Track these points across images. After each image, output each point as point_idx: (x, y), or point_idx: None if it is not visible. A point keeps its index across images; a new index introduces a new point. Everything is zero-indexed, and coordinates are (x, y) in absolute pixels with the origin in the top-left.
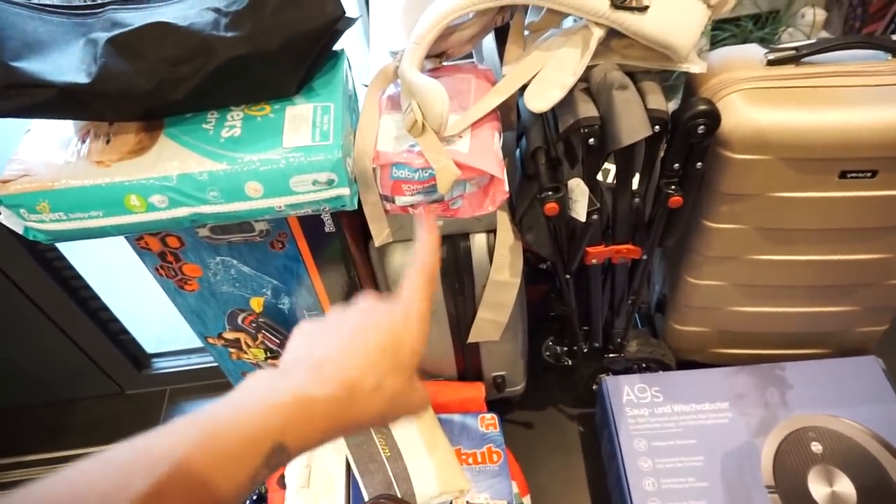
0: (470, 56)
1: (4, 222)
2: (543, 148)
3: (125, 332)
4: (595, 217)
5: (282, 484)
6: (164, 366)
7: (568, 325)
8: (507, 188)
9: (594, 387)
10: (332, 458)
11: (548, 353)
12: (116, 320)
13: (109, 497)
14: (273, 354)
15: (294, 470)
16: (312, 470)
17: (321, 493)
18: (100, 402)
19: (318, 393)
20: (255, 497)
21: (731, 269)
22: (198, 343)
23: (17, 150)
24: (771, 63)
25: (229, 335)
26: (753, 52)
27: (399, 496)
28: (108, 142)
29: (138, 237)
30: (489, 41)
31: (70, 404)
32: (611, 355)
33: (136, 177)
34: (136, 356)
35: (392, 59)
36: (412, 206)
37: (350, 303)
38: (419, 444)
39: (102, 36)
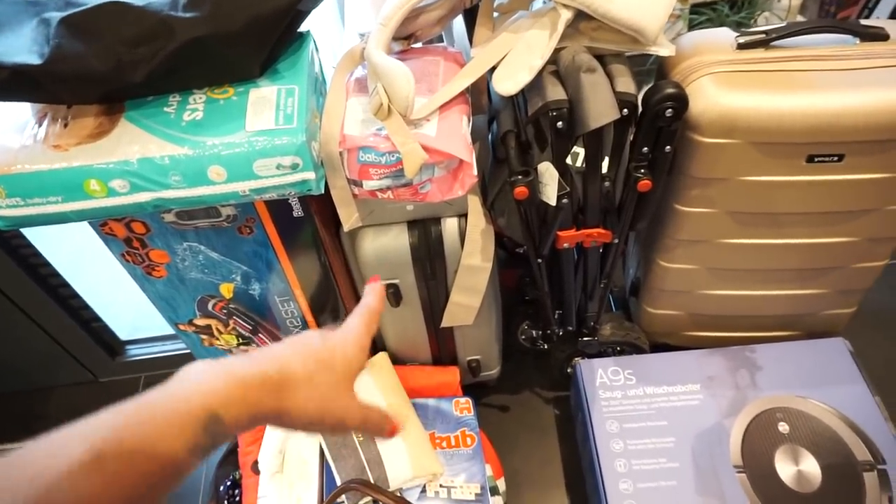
0: (440, 38)
1: None
2: (513, 131)
3: (97, 319)
4: (565, 201)
5: (255, 469)
6: (138, 353)
7: (542, 309)
8: (475, 172)
9: (569, 370)
10: (305, 444)
11: (523, 337)
12: (88, 307)
13: (48, 467)
14: (245, 340)
15: (268, 456)
16: (286, 455)
17: (295, 478)
18: (74, 390)
19: (250, 370)
20: (228, 483)
21: (702, 252)
22: (172, 329)
23: None
24: (741, 47)
25: (200, 322)
26: (724, 35)
27: (372, 481)
28: (66, 125)
29: (102, 223)
30: (460, 23)
31: (43, 392)
32: (585, 339)
33: (95, 161)
34: (110, 343)
35: (360, 41)
36: (381, 189)
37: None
38: None
39: (56, 15)
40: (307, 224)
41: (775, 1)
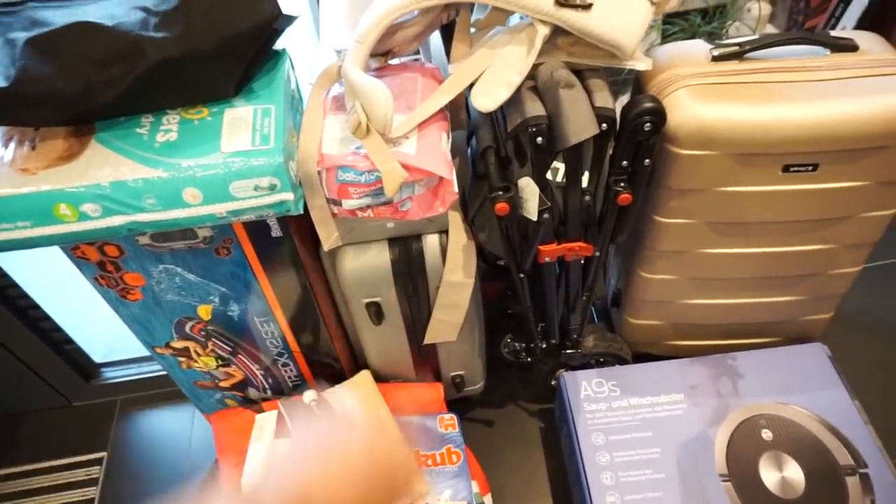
0: (417, 54)
1: None
2: (493, 147)
3: (70, 341)
4: (546, 216)
5: None
6: (114, 375)
7: (525, 323)
8: (456, 189)
9: (553, 382)
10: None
11: (506, 350)
12: (59, 329)
13: None
14: (224, 362)
15: (250, 480)
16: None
17: None
18: (46, 414)
19: None
20: None
21: (682, 262)
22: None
23: None
24: (716, 59)
25: (177, 344)
26: (699, 47)
27: None
28: (33, 148)
29: (74, 246)
30: (437, 38)
31: (13, 417)
32: (568, 351)
33: (65, 185)
34: (84, 366)
35: (337, 58)
36: (361, 208)
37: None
38: None
39: (21, 36)
40: (286, 244)
41: (745, 11)
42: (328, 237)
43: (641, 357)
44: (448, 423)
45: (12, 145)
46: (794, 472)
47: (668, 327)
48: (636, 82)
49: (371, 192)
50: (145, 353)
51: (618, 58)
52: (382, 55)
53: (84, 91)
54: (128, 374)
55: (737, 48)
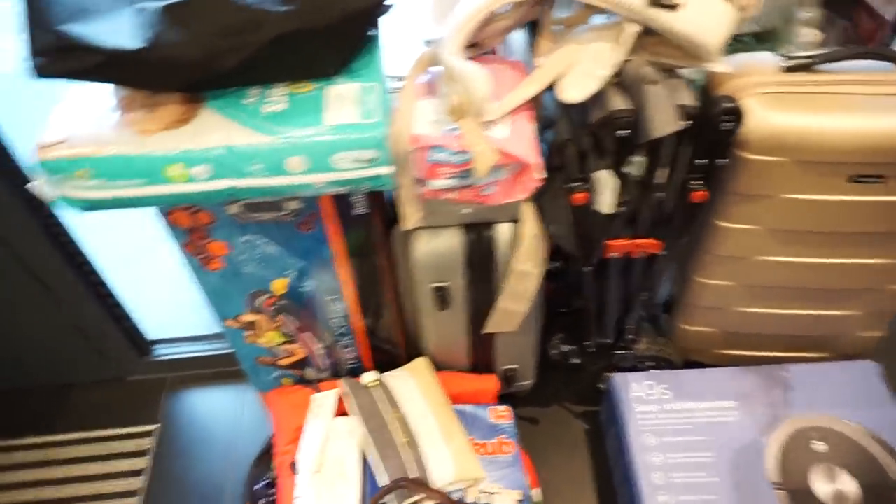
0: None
1: (38, 191)
2: (572, 140)
3: (129, 317)
4: (620, 209)
5: (293, 469)
6: (165, 352)
7: (581, 321)
8: (540, 176)
9: (601, 385)
10: (345, 445)
11: (555, 352)
12: (120, 305)
13: None
14: (289, 339)
15: (306, 455)
16: (326, 456)
17: (334, 478)
18: (97, 387)
19: None
20: (266, 481)
21: (740, 269)
22: (201, 331)
23: (52, 117)
24: (787, 70)
25: (247, 317)
26: (768, 59)
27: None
28: (150, 112)
29: (169, 211)
30: (515, 36)
31: (65, 389)
32: (620, 352)
33: (180, 147)
34: (139, 342)
35: (427, 48)
36: (446, 189)
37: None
38: (436, 432)
39: (151, 5)
40: (365, 223)
41: (797, 36)
42: (410, 217)
43: (689, 364)
44: (501, 415)
45: (130, 109)
46: (848, 486)
47: (720, 335)
48: (704, 89)
49: (459, 173)
50: (196, 332)
51: (699, 59)
52: (470, 47)
53: (208, 59)
54: (178, 353)
55: (808, 60)
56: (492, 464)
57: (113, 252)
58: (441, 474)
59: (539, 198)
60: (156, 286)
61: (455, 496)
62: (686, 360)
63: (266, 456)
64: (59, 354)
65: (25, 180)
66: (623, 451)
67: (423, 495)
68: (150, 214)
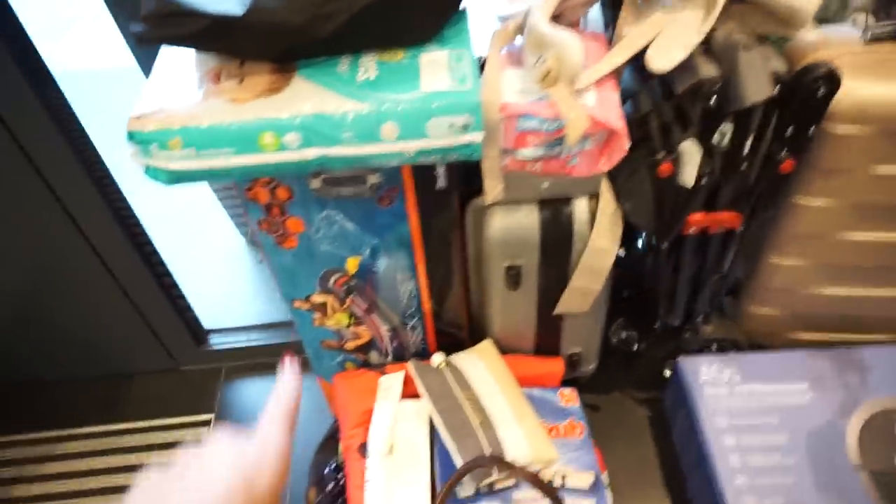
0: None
1: (131, 158)
2: (655, 111)
3: (189, 308)
4: (704, 181)
5: (362, 452)
6: (221, 342)
7: (647, 305)
8: (627, 146)
9: (665, 371)
10: (415, 426)
11: (615, 338)
12: (182, 295)
13: None
14: (357, 320)
15: (376, 438)
16: (396, 438)
17: (405, 460)
18: (156, 377)
19: None
20: (332, 466)
21: (816, 247)
22: (255, 321)
23: (144, 88)
24: (872, 39)
25: (317, 298)
26: (848, 30)
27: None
28: (240, 81)
29: (248, 186)
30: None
31: (124, 379)
32: (686, 335)
33: (273, 114)
34: (196, 332)
35: (500, 25)
36: (532, 160)
37: (201, 442)
38: (509, 414)
39: None
40: (445, 198)
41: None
42: (492, 190)
43: (756, 348)
44: (569, 398)
45: (220, 79)
46: None
47: (789, 318)
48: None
49: (548, 142)
50: (250, 322)
51: (790, 26)
52: (552, 19)
53: (305, 25)
54: (233, 342)
55: (891, 28)
56: (563, 446)
57: (168, 242)
58: (516, 455)
59: (615, 174)
60: (209, 276)
61: None
62: (752, 344)
63: (331, 441)
64: (122, 344)
65: (101, 171)
66: (695, 435)
67: (504, 474)
68: (204, 205)
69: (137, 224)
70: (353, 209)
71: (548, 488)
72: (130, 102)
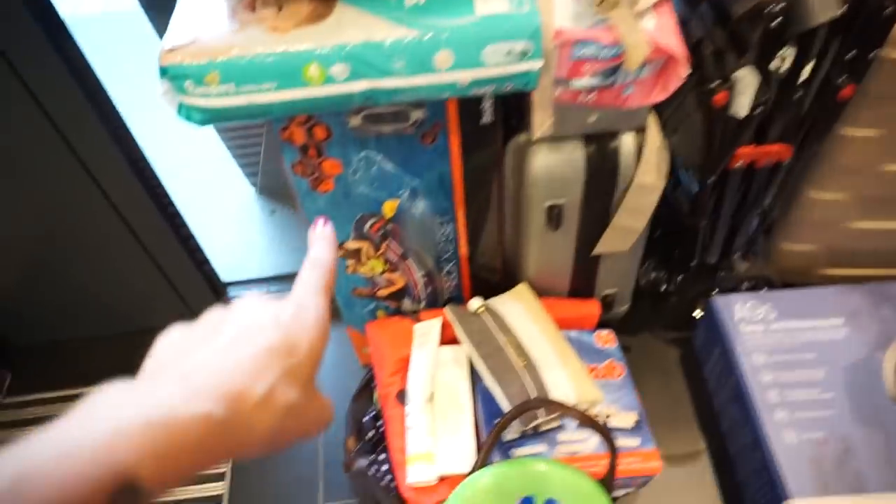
0: None
1: (162, 97)
2: (707, 38)
3: (206, 261)
4: (759, 111)
5: (400, 400)
6: (239, 294)
7: (687, 241)
8: (685, 71)
9: (697, 311)
10: (454, 372)
11: (644, 279)
12: (200, 248)
13: None
14: (392, 267)
15: (416, 385)
16: (437, 384)
17: (446, 406)
18: None
19: (184, 412)
20: (371, 414)
21: (859, 180)
22: (271, 272)
23: (174, 21)
24: None
25: (352, 244)
26: None
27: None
28: (279, 9)
29: (284, 126)
30: None
31: (142, 335)
32: (721, 274)
33: (318, 44)
34: (214, 284)
35: None
36: (586, 90)
37: (230, 302)
38: (552, 356)
39: None
40: (490, 134)
41: None
42: (542, 124)
43: (789, 285)
44: (606, 339)
45: (257, 6)
46: None
47: (824, 254)
48: None
49: (604, 70)
50: (268, 273)
51: None
52: None
53: None
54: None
55: None
56: (605, 387)
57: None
58: (561, 397)
59: (662, 106)
60: (221, 229)
61: (573, 420)
62: (784, 283)
63: (365, 390)
64: (141, 300)
65: (117, 122)
66: (731, 372)
67: (550, 416)
68: (211, 156)
69: (154, 176)
70: (394, 148)
71: (600, 427)
72: (138, 48)
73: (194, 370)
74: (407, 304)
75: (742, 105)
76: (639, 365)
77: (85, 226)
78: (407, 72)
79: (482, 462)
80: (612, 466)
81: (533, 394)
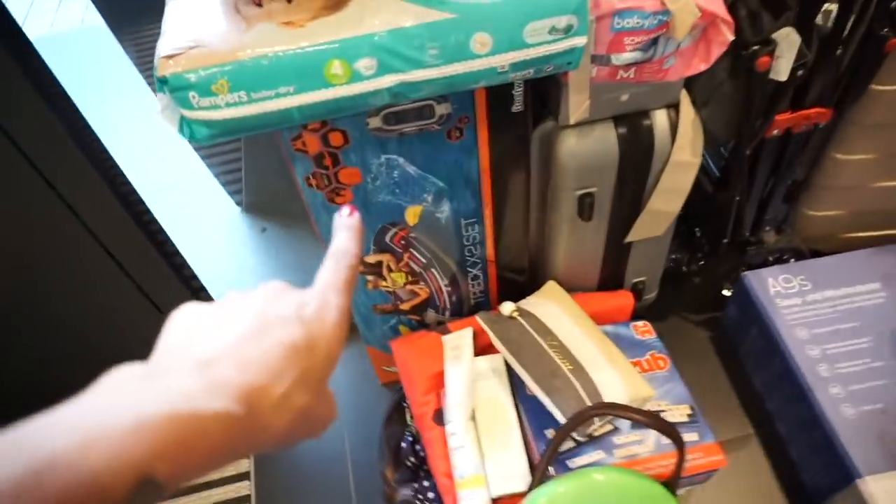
0: None
1: (160, 114)
2: (740, 1)
3: (203, 288)
4: (801, 73)
5: (438, 421)
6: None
7: (716, 218)
8: (730, 37)
9: (724, 290)
10: (493, 384)
11: (666, 262)
12: (196, 276)
13: None
14: (414, 279)
15: (455, 402)
16: (476, 399)
17: (490, 421)
18: None
19: (206, 409)
20: (409, 439)
21: (884, 139)
22: None
23: (167, 22)
24: None
25: (372, 258)
26: None
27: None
28: (289, 0)
29: (296, 135)
30: None
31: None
32: (752, 248)
33: (340, 37)
34: None
35: None
36: (626, 66)
37: (250, 289)
38: (597, 356)
39: None
40: (520, 123)
41: None
42: (578, 107)
43: (815, 254)
44: (644, 330)
45: (264, 0)
46: None
47: (848, 218)
48: None
49: (647, 42)
50: None
51: None
52: None
53: None
54: None
55: None
56: (652, 381)
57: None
58: (614, 398)
59: (690, 79)
60: (210, 251)
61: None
62: (811, 251)
63: (396, 412)
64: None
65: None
66: (775, 350)
67: (608, 419)
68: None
69: (141, 201)
70: (417, 148)
71: (669, 428)
72: (103, 64)
73: (215, 359)
74: (431, 315)
75: (783, 68)
76: (673, 349)
77: (64, 259)
78: (442, 61)
79: (540, 479)
80: (680, 466)
81: (586, 399)
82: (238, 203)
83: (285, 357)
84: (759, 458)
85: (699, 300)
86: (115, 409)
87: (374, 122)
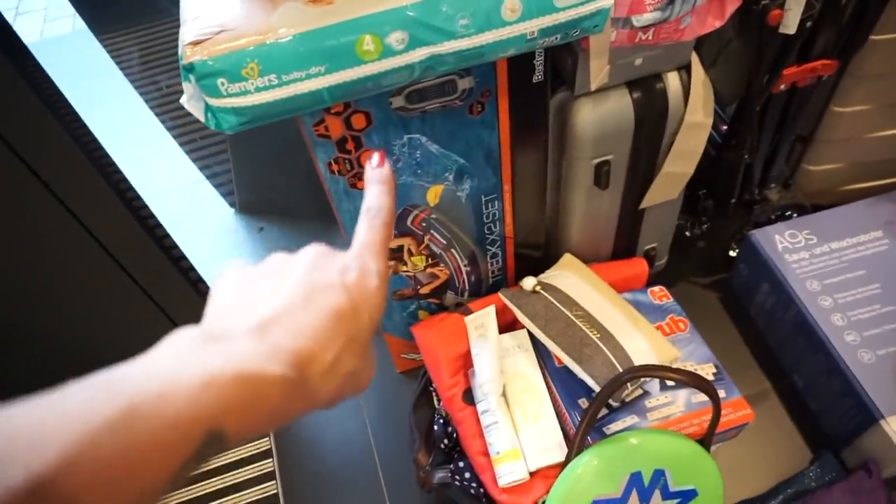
0: None
1: (186, 104)
2: None
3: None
4: (808, 26)
5: (468, 400)
6: None
7: (722, 178)
8: None
9: (731, 251)
10: (521, 359)
11: None
12: (202, 279)
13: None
14: (434, 261)
15: (485, 380)
16: (505, 375)
17: (522, 396)
18: None
19: (268, 371)
20: (440, 421)
21: (882, 88)
22: None
23: (184, 7)
24: None
25: (393, 243)
26: None
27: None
28: None
29: (318, 121)
30: None
31: None
32: (757, 207)
33: (369, 10)
34: None
35: None
36: (645, 28)
37: (292, 251)
38: (623, 322)
39: None
40: (539, 94)
41: None
42: (598, 72)
43: (817, 208)
44: (661, 295)
45: None
46: None
47: (847, 170)
48: None
49: (664, 3)
50: None
51: None
52: None
53: None
54: None
55: None
56: (676, 342)
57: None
58: (643, 362)
59: (700, 40)
60: (208, 254)
61: (654, 381)
62: (812, 205)
63: (423, 398)
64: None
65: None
66: (788, 304)
67: (638, 384)
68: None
69: (145, 206)
70: (439, 126)
71: (705, 384)
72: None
73: (269, 325)
74: (450, 297)
75: (792, 20)
76: (686, 312)
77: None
78: (473, 30)
79: (578, 447)
80: (715, 423)
81: (617, 365)
82: (231, 204)
83: (333, 324)
84: (779, 412)
85: (705, 263)
86: (184, 367)
87: (398, 101)
